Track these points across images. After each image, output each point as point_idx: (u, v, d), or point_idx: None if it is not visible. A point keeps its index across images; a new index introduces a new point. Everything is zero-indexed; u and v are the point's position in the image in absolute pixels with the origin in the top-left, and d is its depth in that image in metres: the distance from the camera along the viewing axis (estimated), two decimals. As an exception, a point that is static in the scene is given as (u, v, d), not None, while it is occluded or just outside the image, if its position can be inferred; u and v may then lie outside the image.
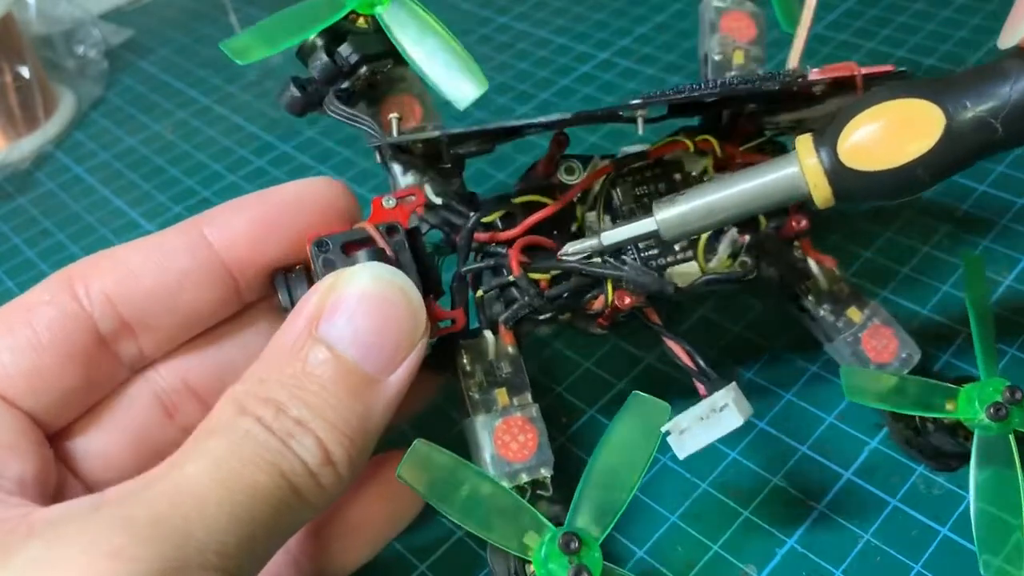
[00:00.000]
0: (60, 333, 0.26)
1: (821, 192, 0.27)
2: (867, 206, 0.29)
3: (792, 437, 0.36)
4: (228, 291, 0.28)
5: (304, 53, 0.31)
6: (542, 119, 0.28)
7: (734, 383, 0.28)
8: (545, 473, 0.29)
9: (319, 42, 0.31)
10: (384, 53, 0.31)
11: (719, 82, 0.29)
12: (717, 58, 0.37)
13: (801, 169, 0.27)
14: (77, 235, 0.52)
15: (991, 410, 0.29)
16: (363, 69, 0.31)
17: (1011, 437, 0.29)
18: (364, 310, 0.24)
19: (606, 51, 0.60)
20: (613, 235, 0.30)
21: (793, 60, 0.34)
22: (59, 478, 0.26)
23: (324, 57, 0.30)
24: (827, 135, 0.27)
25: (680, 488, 0.34)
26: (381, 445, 0.31)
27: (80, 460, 0.27)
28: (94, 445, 0.28)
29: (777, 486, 0.34)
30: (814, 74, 0.29)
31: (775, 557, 0.32)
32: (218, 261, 0.27)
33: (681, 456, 0.28)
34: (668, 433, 0.28)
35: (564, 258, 0.31)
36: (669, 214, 0.29)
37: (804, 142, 0.27)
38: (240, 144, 0.57)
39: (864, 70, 0.30)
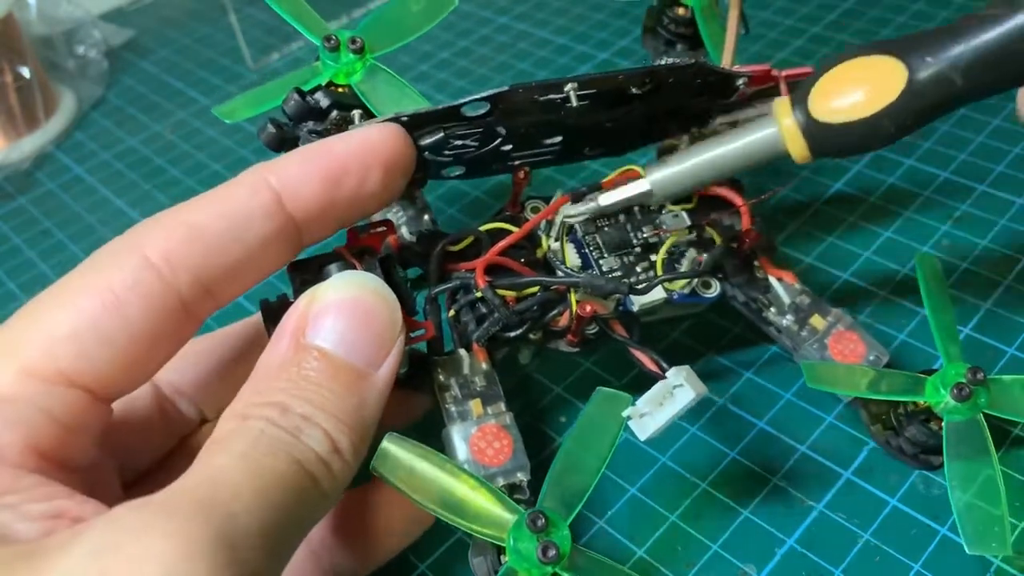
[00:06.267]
0: (138, 297, 0.25)
1: (798, 148, 0.29)
2: (843, 159, 0.32)
3: (791, 437, 0.36)
4: (294, 248, 0.28)
5: (284, 101, 0.34)
6: (480, 94, 0.29)
7: (686, 365, 0.30)
8: (522, 477, 0.29)
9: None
10: (354, 105, 0.34)
11: (644, 66, 0.31)
12: None
13: (779, 129, 0.29)
14: (78, 235, 0.52)
15: (955, 391, 0.30)
16: (334, 114, 0.34)
17: (981, 418, 0.30)
18: (344, 312, 0.26)
19: (606, 51, 0.60)
20: (610, 196, 0.33)
21: (725, 61, 0.37)
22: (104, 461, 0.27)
23: (296, 96, 0.33)
24: (799, 95, 0.29)
25: (680, 488, 0.34)
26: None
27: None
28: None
29: (777, 486, 0.34)
30: (736, 69, 0.32)
31: (775, 557, 0.32)
32: (292, 225, 0.27)
33: (642, 438, 0.29)
34: (629, 418, 0.29)
35: (567, 219, 0.34)
36: (660, 174, 0.32)
37: (781, 104, 0.29)
38: (240, 144, 0.57)
39: (784, 72, 0.34)
